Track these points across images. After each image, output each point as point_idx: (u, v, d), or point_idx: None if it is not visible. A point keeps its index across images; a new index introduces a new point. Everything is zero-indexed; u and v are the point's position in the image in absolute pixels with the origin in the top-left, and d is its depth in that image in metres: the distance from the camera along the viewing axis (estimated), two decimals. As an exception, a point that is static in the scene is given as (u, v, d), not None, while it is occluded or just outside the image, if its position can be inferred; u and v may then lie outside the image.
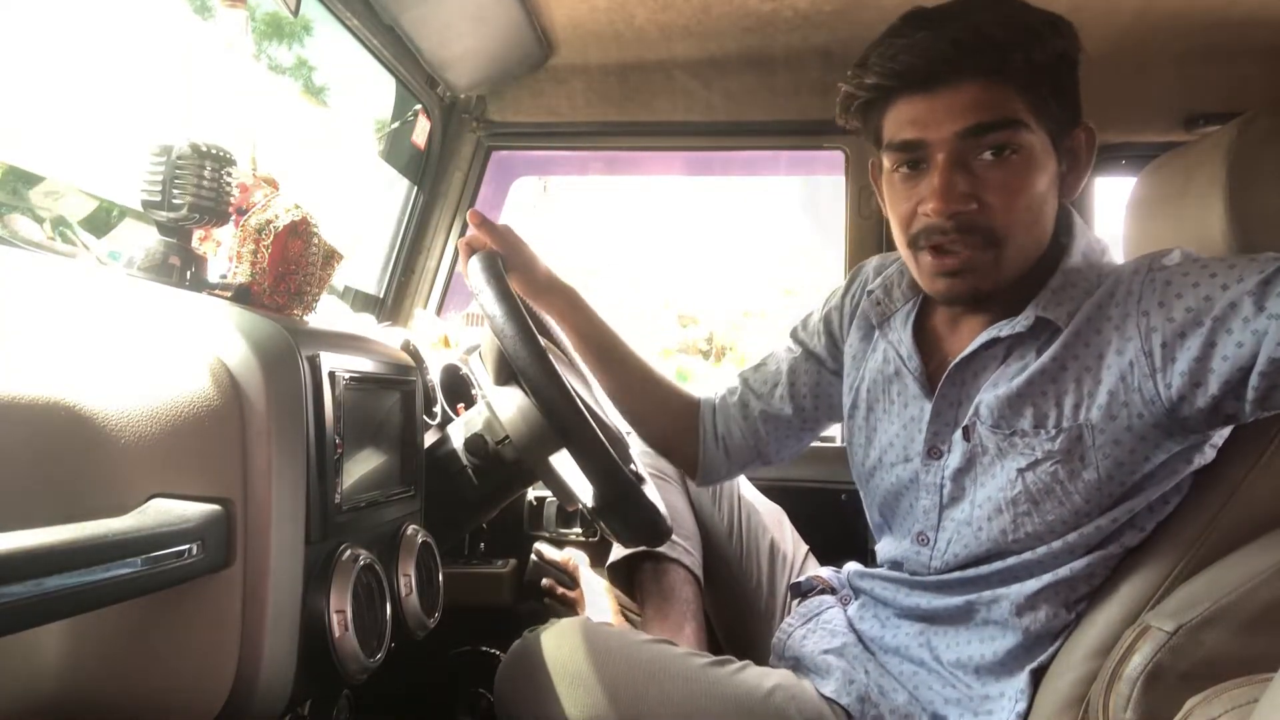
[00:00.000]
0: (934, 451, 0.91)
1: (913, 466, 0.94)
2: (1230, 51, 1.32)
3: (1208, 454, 0.83)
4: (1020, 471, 0.83)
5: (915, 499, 0.94)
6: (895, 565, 0.98)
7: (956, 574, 0.90)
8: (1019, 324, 0.84)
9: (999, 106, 0.78)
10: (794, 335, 1.14)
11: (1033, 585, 0.84)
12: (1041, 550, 0.84)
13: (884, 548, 1.02)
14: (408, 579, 0.85)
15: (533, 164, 1.96)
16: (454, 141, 1.62)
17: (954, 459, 0.89)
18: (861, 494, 1.05)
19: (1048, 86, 0.80)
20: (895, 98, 0.83)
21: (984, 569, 0.88)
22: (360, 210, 1.66)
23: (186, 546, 0.58)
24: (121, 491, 0.60)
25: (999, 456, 0.85)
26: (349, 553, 0.74)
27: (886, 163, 0.87)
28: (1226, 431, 0.83)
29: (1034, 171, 0.81)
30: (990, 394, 0.86)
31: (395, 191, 1.64)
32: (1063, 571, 0.84)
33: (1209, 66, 1.35)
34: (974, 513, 0.88)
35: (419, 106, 1.53)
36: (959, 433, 0.89)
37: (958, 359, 0.88)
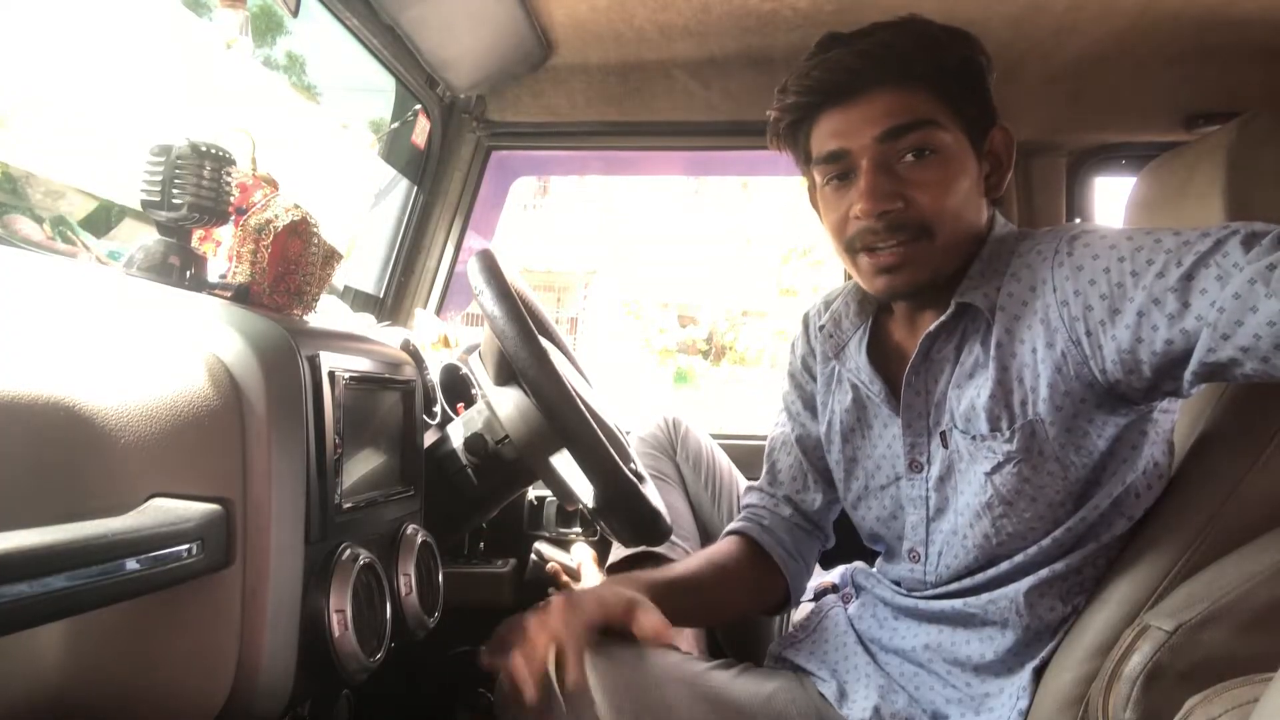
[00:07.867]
0: (915, 465, 0.93)
1: (899, 485, 0.95)
2: (1229, 51, 1.32)
3: (1163, 423, 0.85)
4: (988, 475, 0.85)
5: (904, 516, 0.95)
6: (896, 582, 0.99)
7: (954, 585, 0.91)
8: (945, 315, 0.88)
9: (912, 109, 0.83)
10: (789, 413, 1.11)
11: (1029, 582, 0.85)
12: (1033, 550, 0.85)
13: (882, 566, 1.03)
14: (408, 579, 0.85)
15: (533, 164, 1.96)
16: (454, 141, 1.61)
17: (935, 469, 0.91)
18: (855, 524, 1.05)
19: (958, 89, 0.85)
20: (817, 114, 0.88)
21: (979, 577, 0.89)
22: (338, 192, 1.64)
23: (186, 546, 0.58)
24: (121, 491, 0.60)
25: (971, 461, 0.87)
26: (349, 552, 0.75)
27: (817, 177, 0.91)
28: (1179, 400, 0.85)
29: (955, 169, 0.85)
30: (955, 396, 0.88)
31: (366, 169, 1.61)
32: (1058, 566, 0.85)
33: (1208, 66, 1.35)
34: (958, 521, 0.89)
35: (419, 106, 1.54)
36: (936, 440, 0.90)
37: (907, 367, 0.91)
